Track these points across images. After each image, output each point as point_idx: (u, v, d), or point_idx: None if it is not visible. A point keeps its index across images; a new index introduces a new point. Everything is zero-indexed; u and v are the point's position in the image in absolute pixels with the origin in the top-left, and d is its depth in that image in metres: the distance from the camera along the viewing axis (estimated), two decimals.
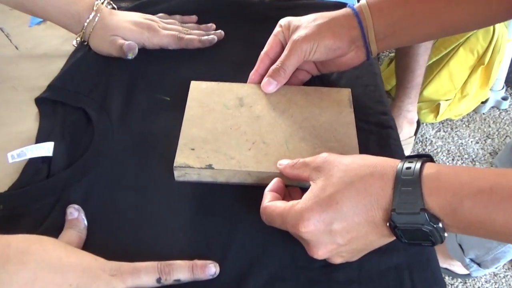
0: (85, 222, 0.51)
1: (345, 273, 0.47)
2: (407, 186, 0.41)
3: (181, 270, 0.46)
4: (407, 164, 0.42)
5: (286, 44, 0.61)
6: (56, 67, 0.69)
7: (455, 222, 0.40)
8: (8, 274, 0.40)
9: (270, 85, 0.61)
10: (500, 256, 1.17)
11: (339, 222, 0.43)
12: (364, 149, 0.56)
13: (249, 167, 0.53)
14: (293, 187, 0.52)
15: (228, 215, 0.52)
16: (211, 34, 0.72)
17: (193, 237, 0.51)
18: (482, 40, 1.53)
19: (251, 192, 0.53)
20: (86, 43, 0.71)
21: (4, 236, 0.42)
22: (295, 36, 0.60)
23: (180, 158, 0.54)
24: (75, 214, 0.50)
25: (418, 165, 0.42)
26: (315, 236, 0.44)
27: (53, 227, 0.50)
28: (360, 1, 0.61)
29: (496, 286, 1.34)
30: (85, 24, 0.68)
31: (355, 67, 0.63)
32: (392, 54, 1.59)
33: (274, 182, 0.51)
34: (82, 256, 0.44)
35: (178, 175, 0.54)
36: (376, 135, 0.60)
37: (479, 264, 1.22)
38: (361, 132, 0.58)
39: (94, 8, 0.68)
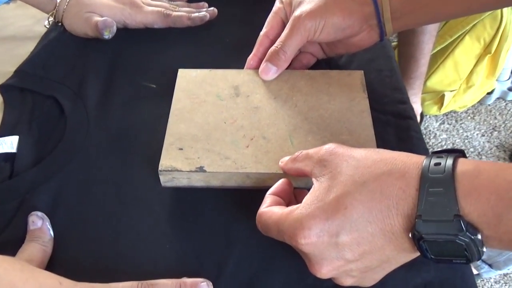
0: (51, 232, 0.44)
1: None
2: (436, 186, 0.32)
3: None
4: (435, 160, 0.34)
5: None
6: (25, 50, 0.62)
7: (498, 234, 0.31)
8: None
9: (269, 71, 0.54)
10: None
11: (347, 232, 0.35)
12: (381, 143, 0.48)
13: (247, 168, 0.46)
14: (301, 190, 0.44)
15: (224, 223, 0.45)
16: (202, 11, 0.64)
17: (182, 249, 0.44)
18: (489, 28, 1.48)
19: (250, 196, 0.46)
20: (60, 23, 0.63)
21: None
22: (297, 11, 0.52)
23: (166, 161, 0.46)
24: (39, 223, 0.43)
25: (450, 161, 0.33)
26: (318, 249, 0.36)
27: (13, 238, 0.44)
28: None
29: (506, 287, 1.29)
30: (58, 1, 0.60)
31: (366, 49, 0.55)
32: (395, 43, 1.53)
33: (278, 184, 0.43)
34: (43, 280, 0.37)
35: (165, 180, 0.47)
36: (394, 126, 0.53)
37: (490, 265, 1.17)
38: (377, 123, 0.50)
39: None
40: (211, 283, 0.40)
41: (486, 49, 1.50)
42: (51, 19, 0.63)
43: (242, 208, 0.46)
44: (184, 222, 0.46)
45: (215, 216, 0.46)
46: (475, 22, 1.48)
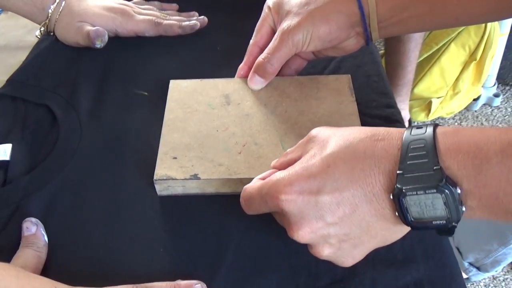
0: (45, 238, 0.44)
1: None
2: (418, 144, 0.33)
3: None
4: (417, 127, 0.35)
5: (277, 30, 0.54)
6: (17, 60, 0.63)
7: (478, 188, 0.31)
8: None
9: (257, 82, 0.54)
10: (501, 258, 1.13)
11: (329, 191, 0.35)
12: None
13: (240, 174, 0.46)
14: None
15: (217, 227, 0.45)
16: (193, 20, 0.65)
17: (176, 253, 0.44)
18: (474, 35, 1.50)
19: None
20: (52, 33, 0.64)
21: None
22: (285, 24, 0.52)
23: (161, 170, 0.47)
24: (33, 229, 0.43)
25: (431, 126, 0.34)
26: (298, 207, 0.36)
27: (8, 244, 0.44)
28: None
29: None
30: (50, 11, 0.61)
31: (354, 55, 0.57)
32: (382, 51, 1.55)
33: (267, 172, 0.43)
34: (39, 285, 0.37)
35: (160, 189, 0.47)
36: None
37: (478, 268, 1.17)
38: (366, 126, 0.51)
39: None
40: (205, 285, 0.40)
41: (472, 56, 1.52)
42: (43, 29, 0.63)
43: (235, 212, 0.46)
44: (178, 226, 0.46)
45: (208, 220, 0.46)
46: (460, 30, 1.50)
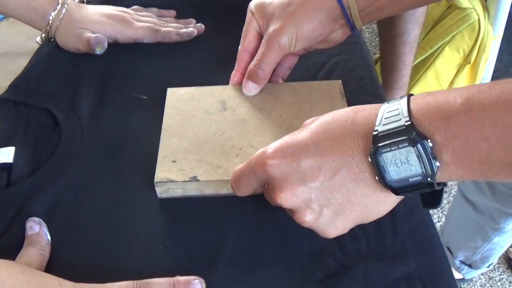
0: (48, 237, 0.45)
1: (350, 286, 0.41)
2: (393, 108, 0.35)
3: None
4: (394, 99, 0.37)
5: (263, 34, 0.55)
6: (19, 66, 0.64)
7: (449, 139, 0.32)
8: None
9: (251, 89, 0.55)
10: (488, 254, 1.14)
11: (310, 156, 0.37)
12: None
13: None
14: None
15: (214, 226, 0.47)
16: (190, 27, 0.67)
17: (175, 251, 0.45)
18: (468, 38, 1.51)
19: (239, 200, 0.47)
20: (52, 39, 0.65)
21: None
22: (270, 29, 0.54)
23: (161, 173, 0.48)
24: (36, 228, 0.44)
25: (406, 96, 0.36)
26: (281, 171, 0.37)
27: (10, 245, 0.45)
28: None
29: None
30: (50, 18, 0.62)
31: (347, 59, 0.58)
32: (377, 55, 1.56)
33: None
34: (44, 282, 0.38)
35: (161, 191, 0.48)
36: None
37: (470, 266, 1.19)
38: None
39: (60, 1, 0.62)
40: (203, 280, 0.41)
41: (466, 59, 1.53)
42: (43, 35, 0.64)
43: (232, 213, 0.47)
44: (177, 226, 0.47)
45: (206, 220, 0.47)
46: (454, 34, 1.52)
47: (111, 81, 0.62)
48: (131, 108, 0.58)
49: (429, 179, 0.34)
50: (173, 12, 0.72)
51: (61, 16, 0.62)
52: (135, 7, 0.70)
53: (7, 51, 0.68)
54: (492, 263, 1.20)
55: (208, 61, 0.64)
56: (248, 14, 0.57)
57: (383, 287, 0.41)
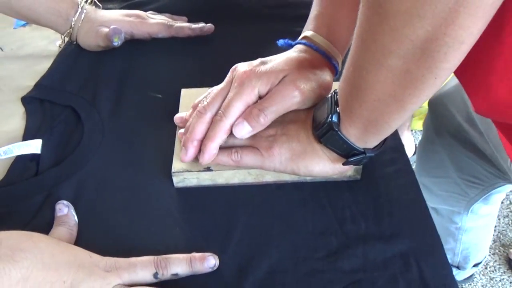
0: (76, 218, 0.49)
1: (350, 262, 0.45)
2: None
3: (179, 263, 0.44)
4: None
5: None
6: (42, 67, 0.68)
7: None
8: None
9: (243, 130, 0.49)
10: (466, 254, 1.16)
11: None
12: None
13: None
14: None
15: (226, 211, 0.51)
16: (201, 23, 0.72)
17: (190, 232, 0.49)
18: None
19: (249, 188, 0.52)
20: (74, 42, 0.70)
21: None
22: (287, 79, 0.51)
23: (178, 164, 0.52)
24: (65, 210, 0.48)
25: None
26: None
27: (41, 225, 0.48)
28: (313, 36, 0.55)
29: None
30: (73, 21, 0.67)
31: None
32: None
33: None
34: (76, 252, 0.42)
35: (177, 181, 0.52)
36: None
37: (458, 267, 1.21)
38: None
39: (80, 5, 0.67)
40: (216, 257, 0.45)
41: None
42: (66, 38, 0.69)
43: (242, 198, 0.51)
44: (192, 210, 0.51)
45: (218, 205, 0.51)
46: None
47: (128, 80, 0.66)
48: (148, 106, 0.62)
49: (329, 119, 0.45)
50: (184, 18, 0.76)
51: (82, 17, 0.67)
52: (149, 12, 0.74)
53: (31, 53, 0.72)
54: (480, 263, 1.21)
55: (220, 63, 0.67)
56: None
57: (380, 263, 0.45)
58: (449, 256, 1.19)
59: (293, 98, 0.49)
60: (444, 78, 0.36)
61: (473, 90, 0.45)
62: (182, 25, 0.71)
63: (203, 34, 0.71)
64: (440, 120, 0.92)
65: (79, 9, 0.67)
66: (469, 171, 0.90)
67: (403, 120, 0.42)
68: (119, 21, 0.68)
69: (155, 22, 0.70)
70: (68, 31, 0.68)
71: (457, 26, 0.31)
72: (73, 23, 0.67)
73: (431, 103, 0.96)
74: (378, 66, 0.37)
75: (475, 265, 1.22)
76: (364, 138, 0.45)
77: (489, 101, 0.43)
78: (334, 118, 0.45)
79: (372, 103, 0.40)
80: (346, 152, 0.47)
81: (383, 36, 0.34)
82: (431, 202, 1.08)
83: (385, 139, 0.47)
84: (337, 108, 0.45)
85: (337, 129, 0.45)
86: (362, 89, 0.40)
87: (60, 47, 0.72)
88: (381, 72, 0.37)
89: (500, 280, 1.35)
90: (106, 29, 0.67)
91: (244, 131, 0.49)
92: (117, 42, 0.67)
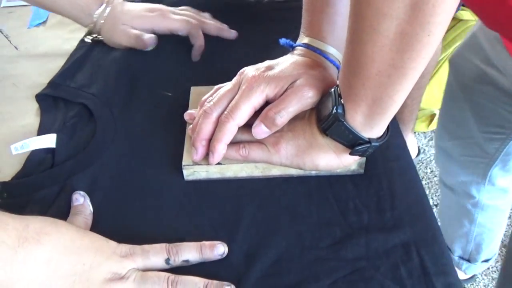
0: (91, 208, 0.51)
1: (353, 251, 0.47)
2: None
3: (190, 250, 0.46)
4: None
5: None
6: (56, 65, 0.70)
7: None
8: (26, 253, 0.39)
9: (261, 132, 0.52)
10: (479, 240, 1.17)
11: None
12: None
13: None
14: None
15: (235, 202, 0.53)
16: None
17: (200, 222, 0.51)
18: None
19: (256, 181, 0.54)
20: (96, 36, 0.71)
21: (23, 217, 0.42)
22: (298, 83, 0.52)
23: (188, 157, 0.54)
24: (81, 200, 0.50)
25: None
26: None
27: (57, 215, 0.49)
28: (311, 41, 0.57)
29: None
30: (95, 16, 0.68)
31: None
32: None
33: None
34: (94, 238, 0.44)
35: (187, 174, 0.54)
36: None
37: (468, 260, 1.22)
38: None
39: (105, 0, 0.69)
40: (225, 245, 0.47)
41: None
42: (91, 37, 0.72)
43: (249, 190, 0.53)
44: (201, 202, 0.53)
45: (226, 197, 0.53)
46: (456, 46, 1.57)
47: (139, 79, 0.68)
48: (158, 104, 0.64)
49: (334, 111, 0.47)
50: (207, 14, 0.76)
51: (105, 14, 0.68)
52: (180, 8, 0.74)
53: (45, 52, 0.73)
54: (489, 259, 1.23)
55: (228, 62, 0.69)
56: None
57: (382, 252, 0.47)
58: (462, 245, 1.20)
59: (309, 98, 0.51)
60: (438, 36, 0.38)
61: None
62: (203, 20, 0.71)
63: (223, 36, 0.71)
64: (461, 71, 0.95)
65: (104, 4, 0.68)
66: (490, 119, 0.91)
67: (406, 92, 0.43)
68: (141, 17, 0.69)
69: (177, 18, 0.70)
70: (90, 25, 0.69)
71: None
72: (95, 18, 0.68)
73: (452, 59, 0.99)
74: (375, 33, 0.39)
75: (485, 261, 1.23)
76: (370, 123, 0.47)
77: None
78: (339, 110, 0.47)
79: (374, 78, 0.42)
80: (351, 142, 0.49)
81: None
82: (450, 175, 1.09)
83: (388, 129, 0.49)
84: (341, 100, 0.47)
85: (342, 120, 0.47)
86: (362, 64, 0.42)
87: (89, 40, 0.73)
88: (378, 39, 0.39)
89: None
90: (132, 31, 0.68)
91: (262, 133, 0.51)
92: (149, 48, 0.69)
